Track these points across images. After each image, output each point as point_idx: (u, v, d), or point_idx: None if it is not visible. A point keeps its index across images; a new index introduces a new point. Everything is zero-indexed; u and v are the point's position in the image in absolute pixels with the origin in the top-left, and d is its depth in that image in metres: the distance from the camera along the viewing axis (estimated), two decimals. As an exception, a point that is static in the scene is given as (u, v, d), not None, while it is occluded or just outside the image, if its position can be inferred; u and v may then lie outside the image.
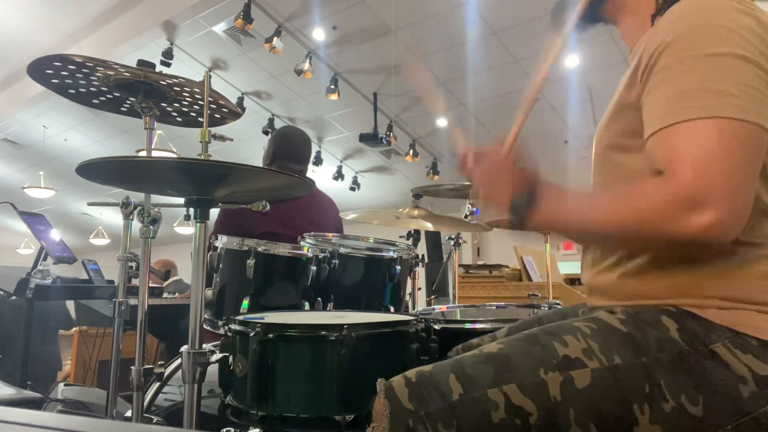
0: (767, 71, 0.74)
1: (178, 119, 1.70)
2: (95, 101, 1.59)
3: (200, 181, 1.18)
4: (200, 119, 1.68)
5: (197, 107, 1.60)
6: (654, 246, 0.80)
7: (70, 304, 3.68)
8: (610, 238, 0.83)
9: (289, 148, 2.39)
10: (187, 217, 1.21)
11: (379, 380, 0.84)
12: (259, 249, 1.57)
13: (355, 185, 8.95)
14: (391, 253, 1.75)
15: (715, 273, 0.78)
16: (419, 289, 2.10)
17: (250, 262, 1.54)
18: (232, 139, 1.47)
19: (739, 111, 0.71)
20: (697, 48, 0.75)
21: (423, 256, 1.96)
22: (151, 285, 1.98)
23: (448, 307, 1.81)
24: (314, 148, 7.86)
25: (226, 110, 1.63)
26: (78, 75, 1.42)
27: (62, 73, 1.41)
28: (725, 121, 0.71)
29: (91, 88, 1.50)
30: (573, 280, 3.63)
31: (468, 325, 1.32)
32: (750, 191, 0.73)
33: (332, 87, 6.10)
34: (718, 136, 0.70)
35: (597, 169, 0.96)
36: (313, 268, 1.63)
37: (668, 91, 0.75)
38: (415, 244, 2.08)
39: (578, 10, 0.95)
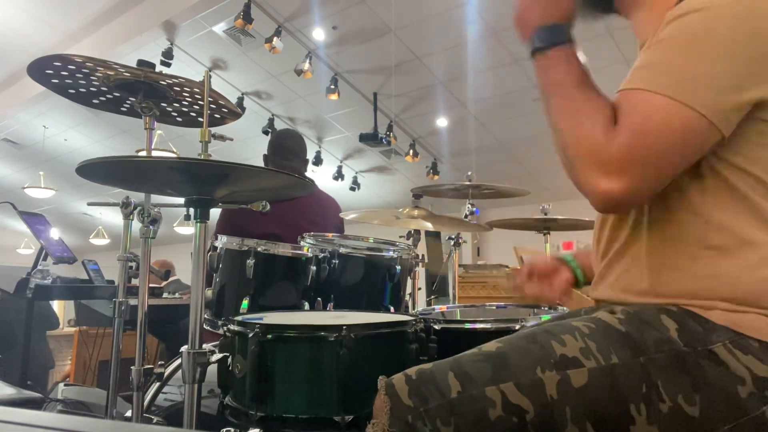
0: (749, 75, 0.73)
1: (178, 119, 1.70)
2: (95, 101, 1.59)
3: (200, 181, 1.18)
4: (200, 119, 1.68)
5: (197, 107, 1.60)
6: (561, 157, 0.83)
7: (55, 304, 3.68)
8: (551, 123, 0.86)
9: (275, 145, 2.46)
10: (187, 217, 1.21)
11: (380, 377, 0.84)
12: (259, 249, 1.57)
13: (355, 185, 8.94)
14: (391, 253, 1.75)
15: (726, 276, 0.77)
16: (419, 289, 2.10)
17: (250, 262, 1.54)
18: (232, 139, 1.47)
19: (693, 99, 0.72)
20: (690, 30, 0.75)
21: (423, 256, 1.95)
22: (150, 285, 1.98)
23: (448, 307, 1.81)
24: (314, 148, 7.85)
25: (226, 110, 1.63)
26: (78, 75, 1.42)
27: (62, 73, 1.41)
28: (677, 104, 0.72)
29: (91, 88, 1.50)
30: (573, 280, 3.62)
31: (468, 325, 1.32)
32: (666, 178, 0.76)
33: (332, 87, 6.09)
34: (666, 115, 0.72)
35: None
36: (313, 268, 1.63)
37: (646, 59, 0.79)
38: (415, 244, 2.08)
39: None
